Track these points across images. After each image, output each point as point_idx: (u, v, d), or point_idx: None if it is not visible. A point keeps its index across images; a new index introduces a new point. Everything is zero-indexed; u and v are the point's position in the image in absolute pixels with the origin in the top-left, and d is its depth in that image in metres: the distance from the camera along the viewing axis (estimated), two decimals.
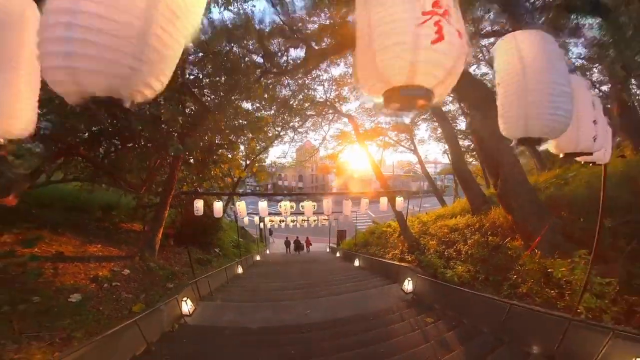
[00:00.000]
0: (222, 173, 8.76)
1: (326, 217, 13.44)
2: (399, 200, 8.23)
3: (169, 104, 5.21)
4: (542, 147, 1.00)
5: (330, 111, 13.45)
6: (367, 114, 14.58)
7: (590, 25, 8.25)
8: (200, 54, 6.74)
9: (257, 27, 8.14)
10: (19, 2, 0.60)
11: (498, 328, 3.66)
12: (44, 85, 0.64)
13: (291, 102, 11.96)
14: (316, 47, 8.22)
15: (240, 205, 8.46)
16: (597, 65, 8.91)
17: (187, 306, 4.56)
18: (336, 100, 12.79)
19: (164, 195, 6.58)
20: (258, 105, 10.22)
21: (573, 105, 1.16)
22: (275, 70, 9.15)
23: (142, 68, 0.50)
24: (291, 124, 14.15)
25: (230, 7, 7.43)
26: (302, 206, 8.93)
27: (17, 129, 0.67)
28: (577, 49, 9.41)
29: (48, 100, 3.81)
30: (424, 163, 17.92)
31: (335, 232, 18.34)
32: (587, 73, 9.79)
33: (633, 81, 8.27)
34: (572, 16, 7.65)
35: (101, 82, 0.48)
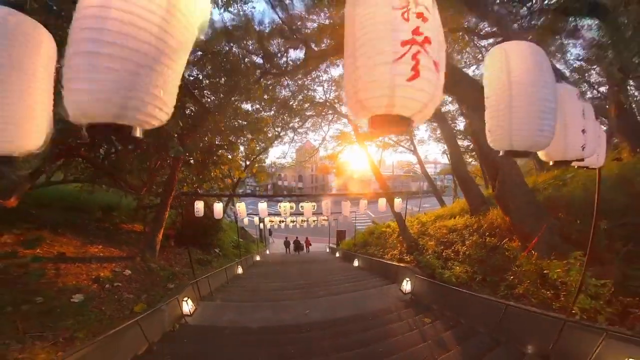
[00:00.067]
0: (222, 174, 8.80)
1: (325, 218, 13.48)
2: (398, 201, 8.27)
3: None
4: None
5: (330, 112, 13.48)
6: None
7: (590, 26, 8.31)
8: (200, 55, 6.77)
9: (257, 28, 8.18)
10: (33, 29, 0.65)
11: (495, 328, 3.71)
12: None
13: (291, 103, 12.00)
14: (316, 48, 8.26)
15: (240, 207, 8.51)
16: (595, 66, 8.95)
17: (187, 306, 4.60)
18: (336, 100, 12.83)
19: (165, 196, 6.62)
20: (258, 106, 10.25)
21: (560, 117, 1.21)
22: (275, 71, 9.18)
23: (149, 100, 0.54)
24: (291, 124, 14.19)
25: (230, 9, 7.47)
26: (301, 206, 8.99)
27: (31, 144, 0.72)
28: (576, 50, 9.46)
29: None
30: (424, 163, 17.96)
31: (335, 232, 18.39)
32: (586, 74, 9.83)
33: (632, 82, 8.32)
34: (571, 18, 7.69)
35: (110, 111, 0.52)
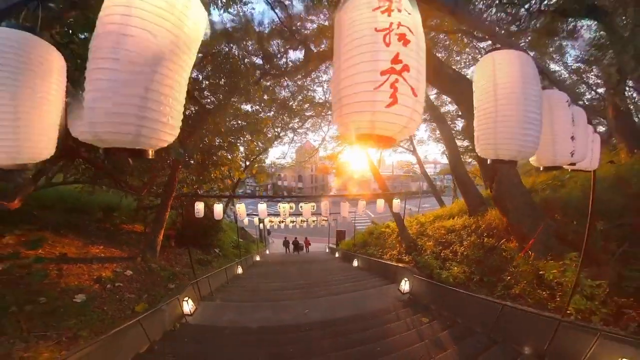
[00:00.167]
0: (222, 175, 8.83)
1: (325, 218, 13.52)
2: (396, 201, 8.32)
3: None
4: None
5: (330, 112, 13.52)
6: None
7: (589, 26, 8.34)
8: (200, 55, 6.81)
9: (257, 28, 8.22)
10: (45, 50, 0.71)
11: (491, 328, 3.75)
12: None
13: (290, 104, 12.04)
14: (315, 50, 8.30)
15: (240, 207, 8.55)
16: (594, 68, 8.99)
17: (188, 306, 4.65)
18: None
19: (165, 197, 6.67)
20: (257, 107, 10.29)
21: (549, 124, 1.25)
22: (274, 71, 9.23)
23: (159, 127, 0.62)
24: (290, 125, 14.23)
25: (229, 10, 7.50)
26: (301, 207, 9.03)
27: (42, 154, 0.77)
28: (575, 52, 9.51)
29: None
30: (423, 163, 17.99)
31: (335, 232, 18.42)
32: (584, 76, 9.87)
33: (631, 83, 8.36)
34: (569, 19, 7.73)
35: (125, 138, 0.59)
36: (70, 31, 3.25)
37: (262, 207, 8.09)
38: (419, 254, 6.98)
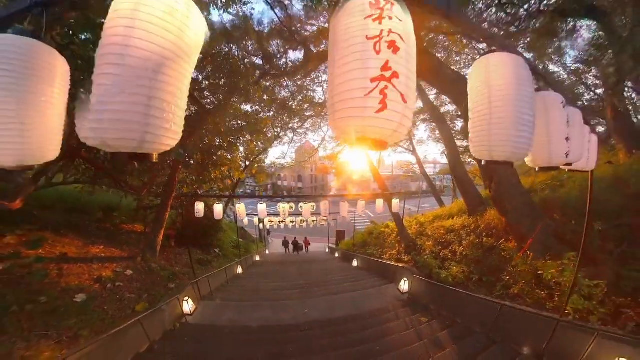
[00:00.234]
0: (222, 175, 8.85)
1: (325, 218, 13.54)
2: (396, 201, 8.34)
3: None
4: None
5: None
6: None
7: (589, 26, 8.36)
8: (200, 56, 6.81)
9: (257, 28, 8.23)
10: (50, 55, 0.73)
11: (490, 328, 3.77)
12: None
13: (290, 104, 12.05)
14: (315, 50, 8.31)
15: (240, 208, 8.57)
16: (592, 68, 9.01)
17: (188, 306, 4.67)
18: None
19: (165, 197, 6.68)
20: (257, 107, 10.31)
21: (544, 125, 1.27)
22: (274, 71, 9.25)
23: (162, 132, 0.64)
24: (290, 125, 14.24)
25: (229, 10, 7.52)
26: (300, 207, 9.05)
27: (47, 156, 0.78)
28: (574, 52, 9.52)
29: None
30: (423, 163, 18.00)
31: (334, 232, 18.43)
32: (583, 77, 9.89)
33: (630, 84, 8.38)
34: (569, 19, 7.75)
35: (130, 144, 0.62)
36: (71, 32, 3.26)
37: (262, 207, 8.12)
38: (418, 254, 7.00)
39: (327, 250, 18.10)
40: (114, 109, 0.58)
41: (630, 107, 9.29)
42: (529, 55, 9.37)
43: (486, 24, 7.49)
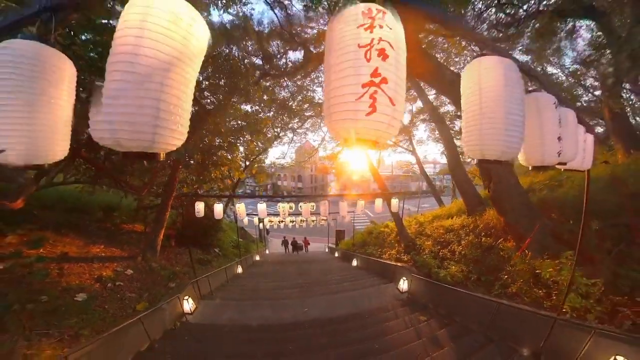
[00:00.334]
0: (222, 175, 8.88)
1: (324, 218, 13.57)
2: (395, 201, 8.36)
3: None
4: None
5: None
6: None
7: (588, 26, 8.40)
8: None
9: (256, 28, 8.25)
10: (58, 59, 0.77)
11: (488, 326, 3.79)
12: None
13: (290, 104, 12.08)
14: (314, 51, 8.34)
15: (240, 207, 8.60)
16: (591, 70, 9.05)
17: (188, 305, 4.69)
18: None
19: (165, 197, 6.71)
20: (257, 107, 10.34)
21: (537, 125, 1.30)
22: (274, 72, 9.27)
23: (169, 133, 0.70)
24: (290, 125, 14.27)
25: (229, 10, 7.54)
26: (300, 207, 9.08)
27: (56, 155, 0.82)
28: (572, 54, 9.56)
29: None
30: (423, 163, 18.02)
31: (334, 232, 18.45)
32: (582, 78, 9.93)
33: (628, 86, 8.41)
34: (568, 20, 7.78)
35: (141, 144, 0.68)
36: (72, 33, 3.29)
37: (262, 207, 8.14)
38: (417, 254, 7.03)
39: (326, 250, 18.12)
40: (126, 111, 0.64)
41: (629, 109, 9.33)
42: (527, 57, 9.43)
43: (485, 24, 7.53)
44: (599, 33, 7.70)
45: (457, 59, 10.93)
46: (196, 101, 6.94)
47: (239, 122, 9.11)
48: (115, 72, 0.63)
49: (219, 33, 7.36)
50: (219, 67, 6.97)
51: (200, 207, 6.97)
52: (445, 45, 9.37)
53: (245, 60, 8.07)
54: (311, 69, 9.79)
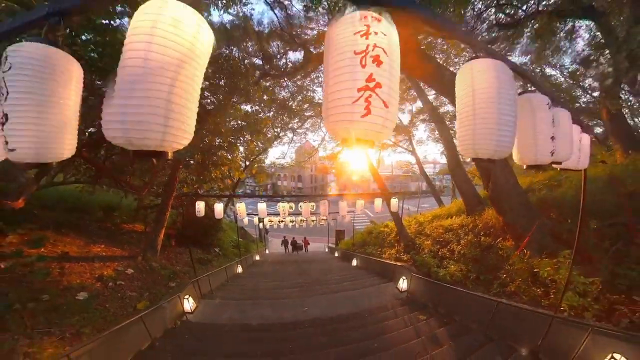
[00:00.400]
0: (222, 175, 8.90)
1: (324, 218, 13.59)
2: (394, 201, 8.39)
3: None
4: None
5: None
6: None
7: (587, 26, 8.43)
8: None
9: (256, 29, 8.28)
10: (66, 61, 0.81)
11: (487, 325, 3.82)
12: None
13: (290, 104, 12.10)
14: (314, 51, 8.36)
15: (240, 207, 8.62)
16: (590, 70, 9.07)
17: (188, 304, 4.71)
18: None
19: (165, 197, 6.73)
20: (257, 107, 10.36)
21: (531, 125, 1.33)
22: (274, 72, 9.29)
23: (179, 133, 0.75)
24: (290, 125, 14.29)
25: (229, 10, 7.56)
26: (300, 206, 9.10)
27: (64, 154, 0.84)
28: (572, 54, 9.59)
29: None
30: (423, 163, 18.03)
31: (334, 232, 18.46)
32: (581, 78, 9.96)
33: (626, 87, 8.44)
34: (567, 20, 7.80)
35: (152, 143, 0.73)
36: (72, 33, 3.31)
37: (262, 206, 8.17)
38: (417, 253, 7.05)
39: (326, 250, 18.14)
40: (138, 111, 0.68)
41: (627, 110, 9.37)
42: (525, 58, 9.45)
43: (485, 25, 7.55)
44: (598, 33, 7.73)
45: (456, 60, 10.95)
46: None
47: (239, 122, 9.14)
48: (127, 75, 0.67)
49: (219, 33, 7.38)
50: (219, 68, 7.00)
51: (200, 206, 6.99)
52: (445, 47, 9.41)
53: (245, 61, 8.10)
54: (311, 69, 9.82)
